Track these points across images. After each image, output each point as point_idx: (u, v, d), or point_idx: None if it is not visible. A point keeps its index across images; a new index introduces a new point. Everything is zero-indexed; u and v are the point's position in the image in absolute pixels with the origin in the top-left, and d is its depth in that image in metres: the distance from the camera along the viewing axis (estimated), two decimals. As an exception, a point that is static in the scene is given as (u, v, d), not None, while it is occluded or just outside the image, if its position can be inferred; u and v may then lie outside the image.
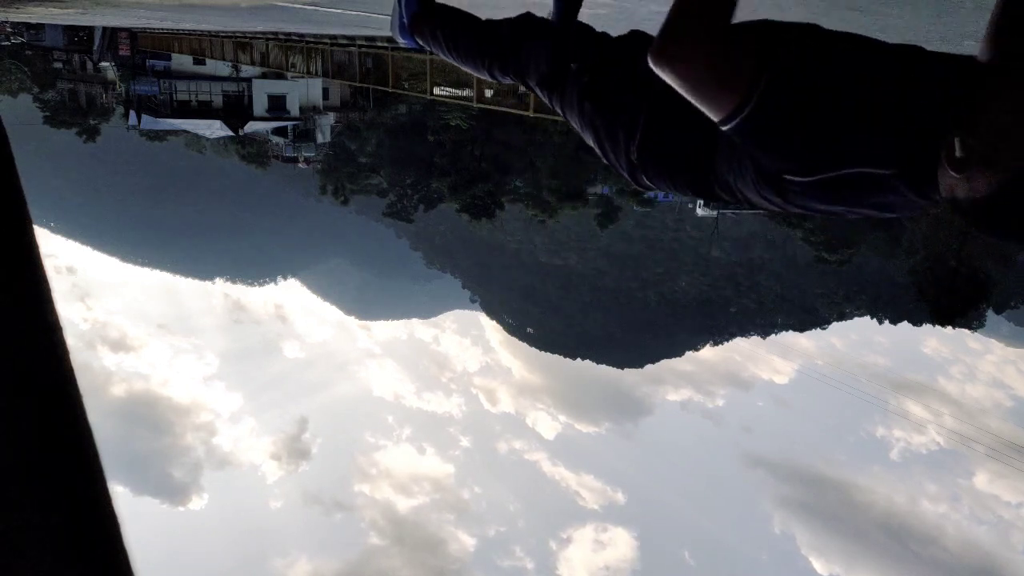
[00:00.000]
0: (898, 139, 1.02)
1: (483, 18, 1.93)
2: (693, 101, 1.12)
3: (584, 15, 1.85)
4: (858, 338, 71.56)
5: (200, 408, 78.87)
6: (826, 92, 1.06)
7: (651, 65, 1.11)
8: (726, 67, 1.08)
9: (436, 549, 67.41)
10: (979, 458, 60.73)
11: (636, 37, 1.66)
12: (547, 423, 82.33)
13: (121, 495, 66.38)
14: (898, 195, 1.08)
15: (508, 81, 1.88)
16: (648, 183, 1.52)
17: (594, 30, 1.73)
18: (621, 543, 70.53)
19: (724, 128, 1.12)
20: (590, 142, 1.61)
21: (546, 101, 1.74)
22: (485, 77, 1.91)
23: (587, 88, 1.56)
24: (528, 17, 1.79)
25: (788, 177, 1.12)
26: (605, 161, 1.60)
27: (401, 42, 2.11)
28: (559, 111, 1.69)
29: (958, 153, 0.94)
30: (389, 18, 2.16)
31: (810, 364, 70.17)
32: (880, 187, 1.07)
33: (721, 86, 1.08)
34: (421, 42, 2.06)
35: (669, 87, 1.15)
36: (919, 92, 1.04)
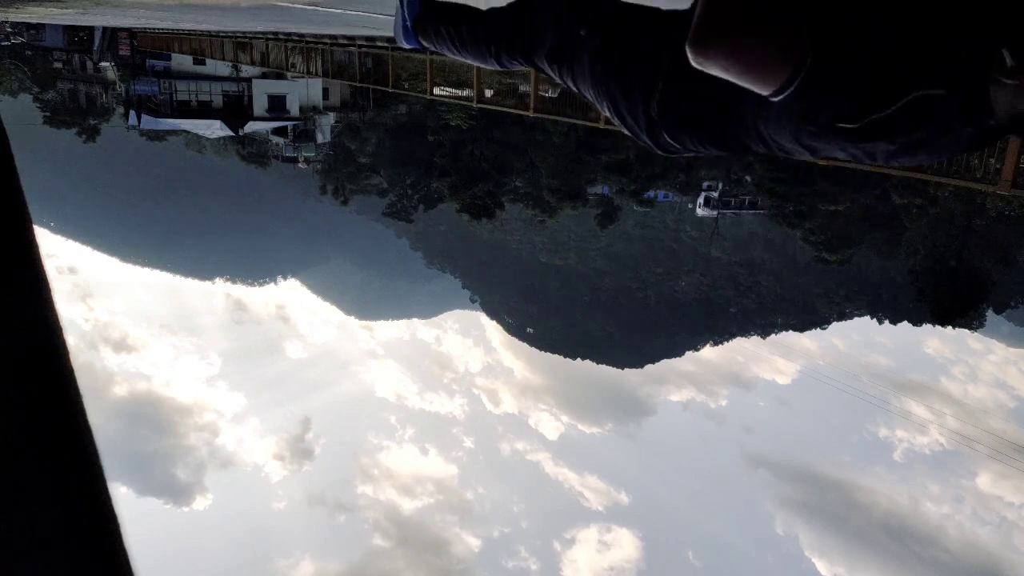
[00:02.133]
0: (949, 60, 1.03)
1: (484, 8, 1.92)
2: (739, 83, 1.11)
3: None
4: (859, 338, 71.58)
5: (203, 408, 78.88)
6: (873, 38, 1.06)
7: (690, 55, 1.09)
8: (770, 48, 1.08)
9: (440, 550, 67.42)
10: (982, 459, 60.73)
11: None
12: (550, 424, 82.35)
13: (125, 496, 66.48)
14: (949, 126, 1.07)
15: (518, 66, 1.85)
16: (670, 141, 1.47)
17: None
18: (625, 544, 70.54)
19: (775, 100, 1.12)
20: (607, 111, 1.57)
21: (558, 78, 1.69)
22: (494, 66, 1.89)
23: (599, 52, 1.52)
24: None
25: (841, 125, 1.11)
26: (624, 128, 1.55)
27: (405, 46, 2.11)
28: (573, 85, 1.64)
29: (1009, 63, 0.96)
30: (389, 19, 2.16)
31: (812, 364, 70.19)
32: (934, 115, 1.06)
33: (767, 67, 1.08)
34: (426, 43, 2.05)
35: (684, 40, 1.14)
36: (959, 14, 1.04)
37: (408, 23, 2.03)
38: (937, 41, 1.04)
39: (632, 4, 1.55)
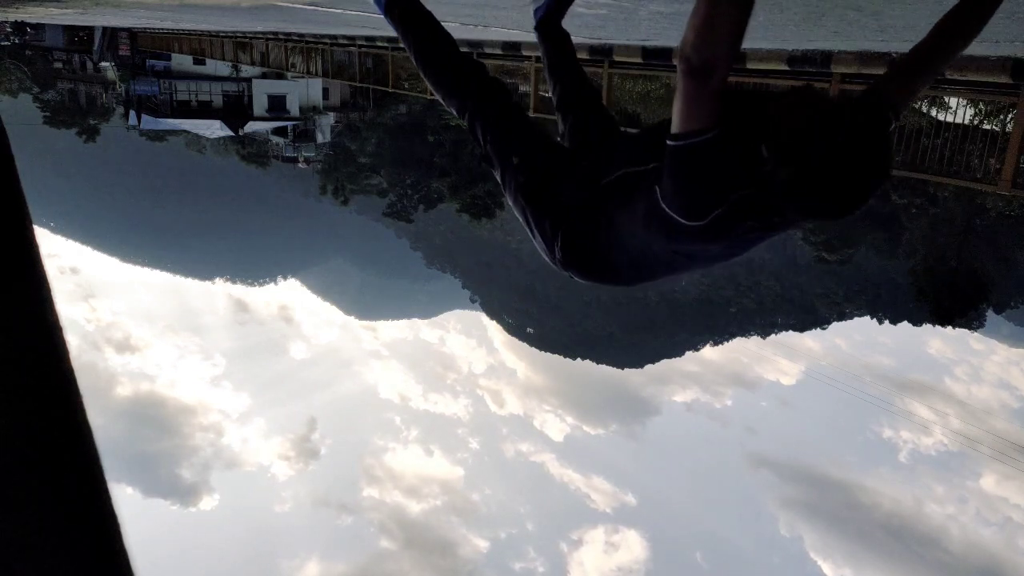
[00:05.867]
0: (752, 165, 1.37)
1: (455, 43, 2.03)
2: (684, 104, 1.33)
3: (583, 14, 1.86)
4: (862, 338, 71.53)
5: (207, 409, 78.75)
6: (732, 149, 1.37)
7: (681, 58, 1.27)
8: (720, 95, 1.31)
9: (447, 551, 67.36)
10: (985, 459, 60.69)
11: (579, 138, 1.97)
12: (555, 424, 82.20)
13: (132, 497, 66.50)
14: (767, 214, 1.40)
15: (458, 119, 2.08)
16: (571, 276, 1.78)
17: (540, 131, 1.98)
18: (633, 545, 70.47)
19: (675, 143, 1.36)
20: (520, 221, 1.86)
21: (487, 167, 1.99)
22: (438, 98, 2.08)
23: (522, 187, 1.81)
24: (495, 88, 1.97)
25: (685, 223, 1.41)
26: (531, 239, 1.84)
27: (375, 11, 2.16)
28: (496, 178, 1.93)
29: (765, 154, 1.33)
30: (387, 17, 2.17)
31: (814, 365, 70.16)
32: (755, 208, 1.38)
33: (709, 107, 1.31)
34: (390, 22, 2.10)
35: (586, 196, 1.60)
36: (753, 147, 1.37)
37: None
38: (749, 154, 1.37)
39: (559, 155, 1.85)
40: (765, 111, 1.36)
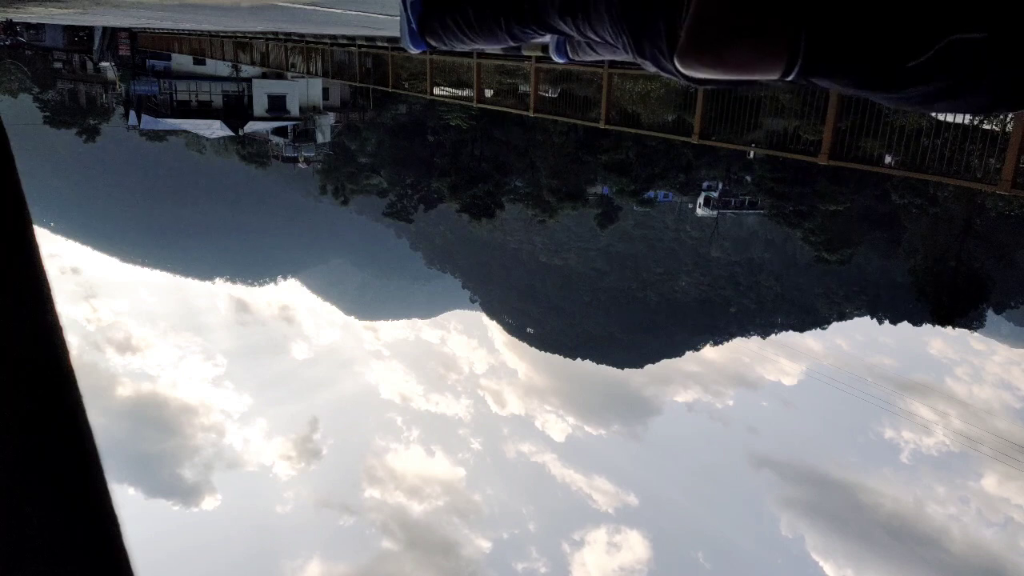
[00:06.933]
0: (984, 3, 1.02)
1: None
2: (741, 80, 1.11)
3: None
4: (863, 339, 71.52)
5: (209, 409, 78.71)
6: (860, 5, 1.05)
7: (681, 68, 1.10)
8: (755, 48, 1.07)
9: (449, 552, 67.34)
10: (987, 460, 60.67)
11: None
12: (556, 425, 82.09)
13: (134, 498, 66.45)
14: (986, 70, 1.05)
15: (532, 35, 1.80)
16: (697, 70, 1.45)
17: None
18: (635, 545, 70.45)
19: (788, 79, 1.11)
20: (630, 53, 1.50)
21: (575, 32, 1.63)
22: (507, 43, 1.85)
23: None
24: None
25: (872, 80, 1.10)
26: (647, 62, 1.48)
27: (414, 51, 2.09)
28: (592, 34, 1.58)
29: None
30: (389, 19, 2.17)
31: (815, 365, 70.18)
32: (972, 60, 1.03)
33: (762, 62, 1.08)
34: (434, 42, 2.05)
35: None
36: None
37: (414, 25, 2.03)
38: None
39: None
40: None
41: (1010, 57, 1.02)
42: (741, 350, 73.99)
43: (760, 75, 1.10)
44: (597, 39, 1.60)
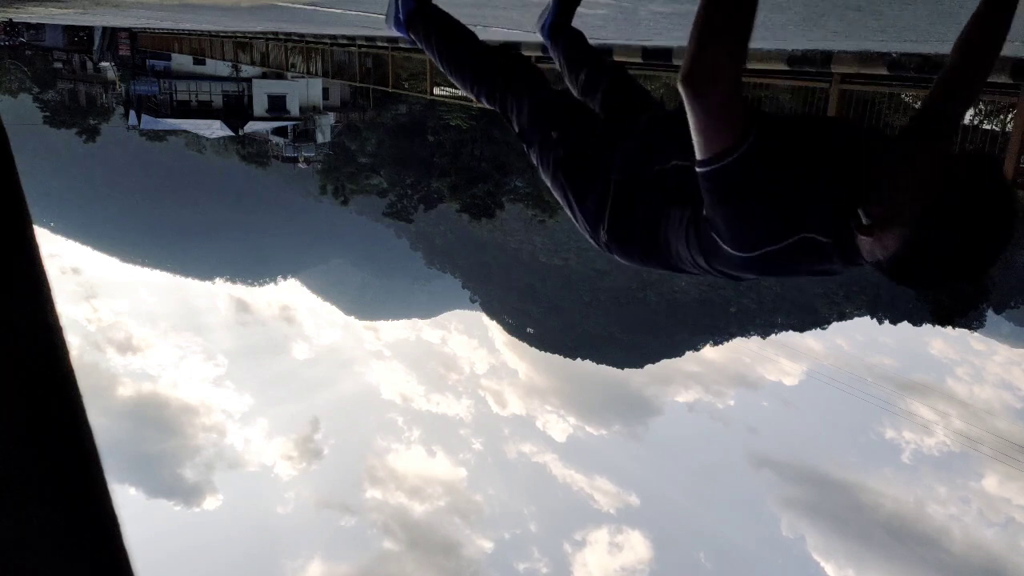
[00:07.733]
0: (834, 212, 1.22)
1: (479, 37, 1.95)
2: (698, 128, 1.22)
3: (583, 15, 1.85)
4: (863, 339, 71.57)
5: (210, 409, 78.67)
6: (782, 171, 1.23)
7: (679, 85, 1.19)
8: (734, 106, 1.20)
9: (451, 552, 67.33)
10: (988, 460, 60.69)
11: (614, 105, 1.82)
12: (557, 425, 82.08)
13: (135, 498, 66.47)
14: (829, 262, 1.27)
15: (492, 108, 1.95)
16: (614, 256, 1.66)
17: (577, 100, 1.85)
18: (636, 545, 70.48)
19: (703, 170, 1.25)
20: (559, 200, 1.72)
21: (525, 150, 1.83)
22: (469, 95, 1.97)
23: (562, 161, 1.66)
24: (524, 65, 1.86)
25: (729, 251, 1.29)
26: (574, 222, 1.70)
27: (393, 32, 2.13)
28: (532, 161, 1.78)
29: (864, 221, 1.17)
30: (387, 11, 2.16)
31: (815, 365, 70.19)
32: (818, 254, 1.26)
33: (724, 122, 1.20)
34: (414, 38, 2.07)
35: (635, 173, 1.46)
36: (839, 175, 1.24)
37: (401, 15, 2.06)
38: (827, 194, 1.22)
39: (601, 128, 1.70)
40: (862, 164, 1.21)
41: (844, 259, 1.26)
42: (741, 350, 74.06)
43: (707, 132, 1.22)
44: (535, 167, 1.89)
